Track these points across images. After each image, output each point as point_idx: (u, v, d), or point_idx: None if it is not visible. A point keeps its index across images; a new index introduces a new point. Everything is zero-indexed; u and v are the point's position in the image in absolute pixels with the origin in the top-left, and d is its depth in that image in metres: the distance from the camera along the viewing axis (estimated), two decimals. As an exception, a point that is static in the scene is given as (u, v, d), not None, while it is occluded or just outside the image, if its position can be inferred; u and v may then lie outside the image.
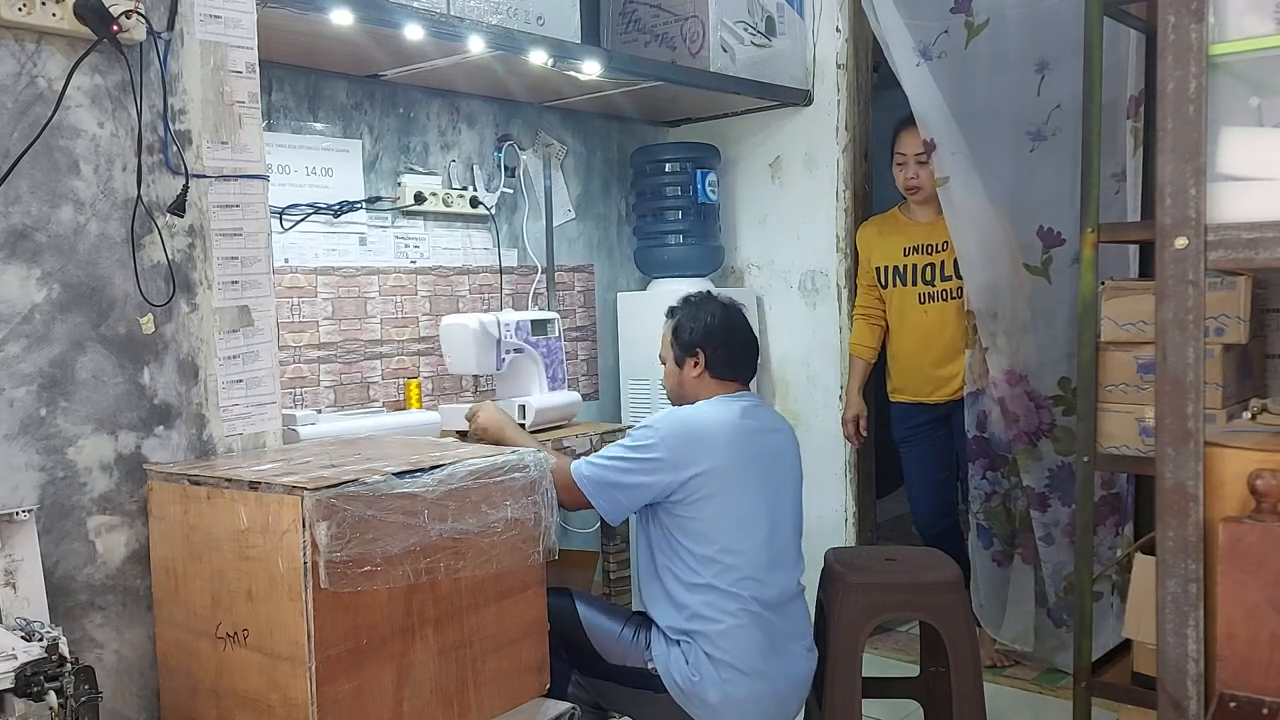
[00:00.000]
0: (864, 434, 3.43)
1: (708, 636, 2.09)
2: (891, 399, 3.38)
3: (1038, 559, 3.14)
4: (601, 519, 2.26)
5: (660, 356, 2.39)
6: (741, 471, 2.15)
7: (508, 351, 2.82)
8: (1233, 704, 1.49)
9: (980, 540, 3.22)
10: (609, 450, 2.19)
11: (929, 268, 3.20)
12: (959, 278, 3.13)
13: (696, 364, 2.28)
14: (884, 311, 3.34)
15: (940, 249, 3.17)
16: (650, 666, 2.14)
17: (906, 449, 3.36)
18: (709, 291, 2.43)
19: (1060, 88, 3.03)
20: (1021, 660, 3.24)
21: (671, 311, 2.38)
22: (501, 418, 2.52)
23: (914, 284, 3.23)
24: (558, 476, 2.04)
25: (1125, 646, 2.41)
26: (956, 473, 3.34)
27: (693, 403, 2.27)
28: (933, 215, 3.19)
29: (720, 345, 2.29)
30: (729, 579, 2.10)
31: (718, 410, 2.21)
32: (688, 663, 2.09)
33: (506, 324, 2.80)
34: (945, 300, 3.17)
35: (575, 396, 2.97)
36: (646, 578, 2.22)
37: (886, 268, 3.28)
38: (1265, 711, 1.47)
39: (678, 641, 2.12)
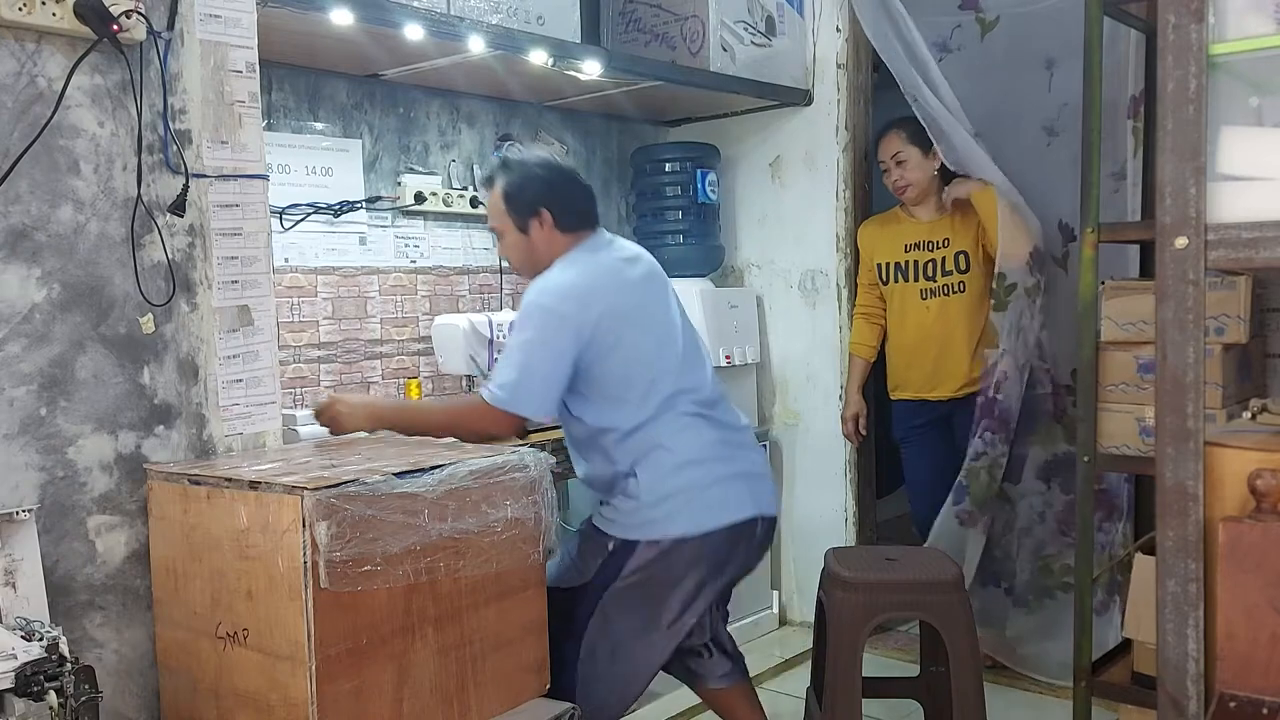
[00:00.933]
0: (864, 433, 3.43)
1: (659, 447, 2.07)
2: (891, 397, 3.37)
3: (1004, 537, 3.19)
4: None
5: (493, 229, 2.25)
6: (637, 300, 2.14)
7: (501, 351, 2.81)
8: (1233, 704, 1.49)
9: (952, 495, 3.17)
10: (511, 352, 2.04)
11: (930, 264, 3.20)
12: (960, 273, 3.14)
13: (542, 223, 2.15)
14: (884, 310, 3.34)
15: (941, 245, 3.17)
16: (611, 545, 2.10)
17: (907, 449, 3.36)
18: (518, 148, 2.30)
19: (1067, 85, 3.04)
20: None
21: (489, 181, 2.21)
22: (358, 402, 2.18)
23: (915, 280, 3.23)
24: (473, 419, 1.99)
25: (1125, 646, 2.42)
26: (957, 472, 3.34)
27: (548, 266, 2.14)
28: (933, 213, 3.20)
29: (561, 196, 2.17)
30: (661, 396, 2.08)
31: (585, 260, 2.15)
32: (635, 496, 2.07)
33: (500, 324, 2.80)
34: (947, 295, 3.17)
35: (574, 396, 2.97)
36: (586, 451, 2.16)
37: (888, 264, 3.28)
38: (1265, 711, 1.47)
39: (625, 485, 2.08)
